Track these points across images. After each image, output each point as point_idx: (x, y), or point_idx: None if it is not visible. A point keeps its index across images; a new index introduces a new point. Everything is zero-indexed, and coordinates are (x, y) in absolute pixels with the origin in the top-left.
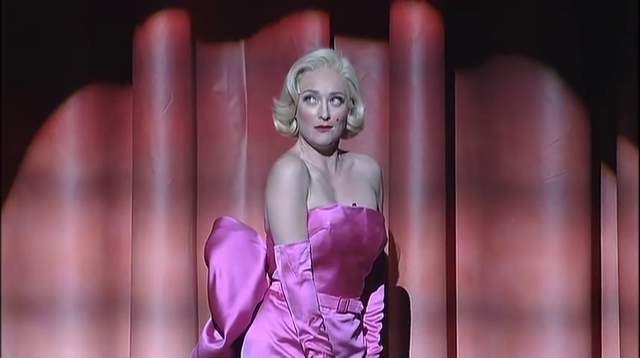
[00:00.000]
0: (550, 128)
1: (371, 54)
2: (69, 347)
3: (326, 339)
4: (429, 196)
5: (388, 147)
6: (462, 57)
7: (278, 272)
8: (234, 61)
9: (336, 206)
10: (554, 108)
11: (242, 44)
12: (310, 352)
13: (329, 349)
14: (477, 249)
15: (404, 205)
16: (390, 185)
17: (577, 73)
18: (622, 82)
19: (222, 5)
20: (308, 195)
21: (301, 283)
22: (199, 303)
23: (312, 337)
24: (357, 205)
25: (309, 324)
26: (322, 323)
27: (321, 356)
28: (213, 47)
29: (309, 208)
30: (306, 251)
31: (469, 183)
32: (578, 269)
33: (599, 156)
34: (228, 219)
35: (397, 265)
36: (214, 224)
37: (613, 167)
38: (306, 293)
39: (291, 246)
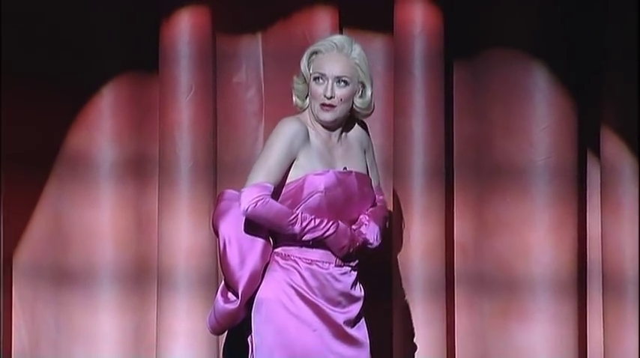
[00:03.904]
0: (540, 115)
1: (377, 48)
2: (104, 314)
3: (313, 223)
4: (430, 178)
5: (392, 133)
6: (460, 50)
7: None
8: (252, 55)
9: (328, 171)
10: (544, 97)
11: (259, 39)
12: (311, 241)
13: (324, 226)
14: (473, 225)
15: (407, 186)
16: (394, 167)
17: (565, 64)
18: (605, 72)
19: (240, 3)
20: (297, 156)
21: (255, 203)
22: (219, 273)
23: (302, 235)
24: (347, 169)
25: (293, 228)
26: (300, 215)
27: (320, 233)
28: (233, 42)
29: (302, 174)
30: (267, 189)
31: (466, 166)
32: (566, 243)
33: (585, 140)
34: (230, 192)
35: (401, 239)
36: (218, 197)
37: (597, 151)
38: (264, 208)
39: (256, 184)
